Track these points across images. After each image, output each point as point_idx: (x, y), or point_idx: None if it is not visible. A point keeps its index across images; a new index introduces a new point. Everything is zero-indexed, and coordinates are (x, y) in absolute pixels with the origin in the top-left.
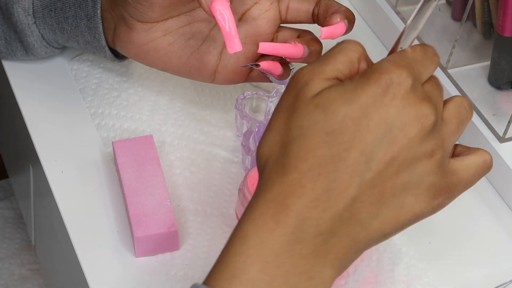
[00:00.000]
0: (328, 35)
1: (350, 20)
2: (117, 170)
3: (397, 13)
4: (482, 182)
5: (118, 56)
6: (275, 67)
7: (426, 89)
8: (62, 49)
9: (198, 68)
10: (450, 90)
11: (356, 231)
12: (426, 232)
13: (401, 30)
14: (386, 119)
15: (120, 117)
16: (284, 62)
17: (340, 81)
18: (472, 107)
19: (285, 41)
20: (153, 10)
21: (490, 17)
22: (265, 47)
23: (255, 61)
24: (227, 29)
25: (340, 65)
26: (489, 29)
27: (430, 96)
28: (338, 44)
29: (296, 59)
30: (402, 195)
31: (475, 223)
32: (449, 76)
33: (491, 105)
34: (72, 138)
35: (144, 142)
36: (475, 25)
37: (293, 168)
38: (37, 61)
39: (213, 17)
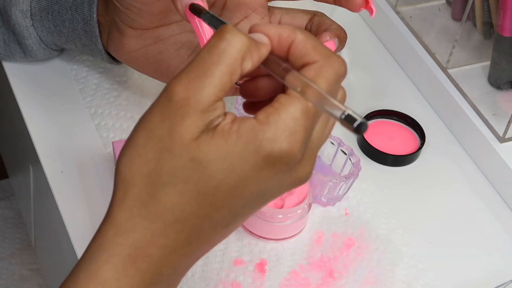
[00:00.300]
0: None
1: (341, 39)
2: None
3: (397, 13)
4: (482, 182)
5: (115, 59)
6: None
7: (313, 139)
8: (61, 51)
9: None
10: (450, 90)
11: (201, 253)
12: (426, 232)
13: (401, 30)
14: (263, 190)
15: (120, 117)
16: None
17: (220, 101)
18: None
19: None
20: (142, 17)
21: (490, 17)
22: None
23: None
24: (203, 36)
25: (220, 82)
26: (489, 29)
27: (314, 148)
28: (214, 42)
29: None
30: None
31: (475, 223)
32: (449, 76)
33: (491, 105)
34: (72, 138)
35: None
36: (475, 25)
37: (158, 217)
38: (36, 61)
39: (188, 21)
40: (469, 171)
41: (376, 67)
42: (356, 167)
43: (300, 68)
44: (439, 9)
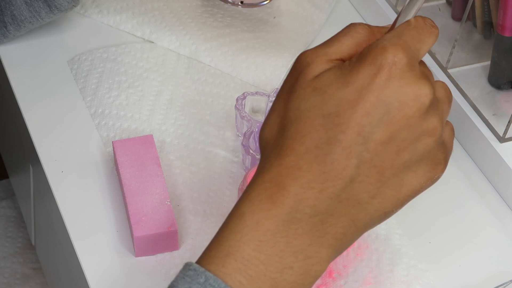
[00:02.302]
0: None
1: None
2: (117, 170)
3: (397, 13)
4: (482, 182)
5: None
6: None
7: (422, 68)
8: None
9: None
10: (450, 90)
11: (355, 211)
12: (426, 232)
13: None
14: (383, 100)
15: (120, 117)
16: None
17: (343, 62)
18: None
19: None
20: None
21: (490, 17)
22: None
23: None
24: None
25: (345, 47)
26: (489, 29)
27: (426, 74)
28: (344, 28)
29: None
30: (402, 174)
31: (475, 223)
32: (449, 76)
33: (491, 105)
34: (72, 138)
35: (144, 142)
36: (475, 25)
37: (290, 150)
38: (36, 61)
39: None
40: (469, 171)
41: None
42: None
43: None
44: (439, 9)
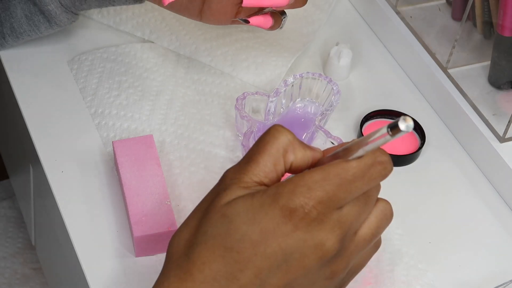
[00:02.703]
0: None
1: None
2: (117, 170)
3: (397, 13)
4: (482, 182)
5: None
6: (265, 21)
7: (344, 212)
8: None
9: (186, 6)
10: (450, 90)
11: None
12: (426, 232)
13: (401, 30)
14: (284, 249)
15: (120, 116)
16: (274, 12)
17: (263, 185)
18: (393, 214)
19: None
20: None
21: (490, 17)
22: (249, 1)
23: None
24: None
25: (263, 168)
26: (489, 29)
27: (343, 221)
28: (263, 136)
29: (283, 7)
30: None
31: (475, 223)
32: (449, 76)
33: (491, 105)
34: (72, 138)
35: (144, 142)
36: (475, 25)
37: (189, 275)
38: (37, 61)
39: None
40: (469, 171)
41: (376, 67)
42: None
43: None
44: (439, 9)
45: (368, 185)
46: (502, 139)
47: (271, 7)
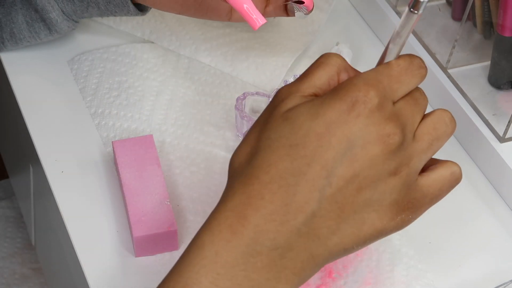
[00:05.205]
0: None
1: None
2: (117, 170)
3: (397, 13)
4: (482, 182)
5: (140, 9)
6: (311, 1)
7: (398, 107)
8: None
9: (215, 8)
10: (450, 90)
11: (314, 246)
12: (426, 232)
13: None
14: (348, 137)
15: (120, 117)
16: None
17: (316, 96)
18: (455, 121)
19: None
20: None
21: (490, 17)
22: None
23: None
24: (245, 9)
25: (317, 81)
26: (489, 29)
27: (400, 114)
28: (318, 59)
29: None
30: (363, 211)
31: (475, 223)
32: (449, 76)
33: (491, 105)
34: (72, 138)
35: (144, 142)
36: (475, 25)
37: (255, 179)
38: (36, 61)
39: (227, 2)
40: (469, 171)
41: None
42: None
43: None
44: (439, 9)
45: (412, 80)
46: (502, 139)
47: None
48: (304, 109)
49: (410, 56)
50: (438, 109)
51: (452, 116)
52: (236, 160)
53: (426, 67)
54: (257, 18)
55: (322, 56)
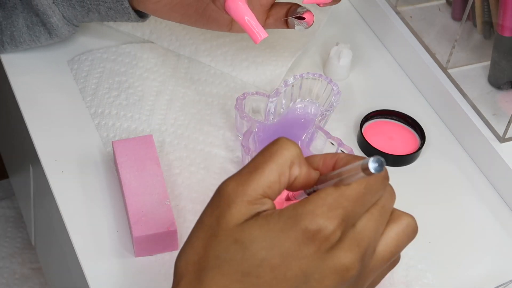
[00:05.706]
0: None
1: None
2: (117, 170)
3: (397, 13)
4: (482, 182)
5: (140, 16)
6: (312, 17)
7: (361, 227)
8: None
9: (216, 18)
10: (450, 90)
11: None
12: (426, 232)
13: (401, 30)
14: (305, 271)
15: (120, 117)
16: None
17: (267, 197)
18: (417, 229)
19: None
20: None
21: (490, 17)
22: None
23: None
24: (246, 23)
25: (267, 179)
26: (489, 29)
27: (361, 238)
28: (271, 144)
29: (327, 3)
30: None
31: (475, 223)
32: (449, 76)
33: (491, 105)
34: (72, 138)
35: (144, 142)
36: (475, 25)
37: None
38: (36, 61)
39: (229, 15)
40: (469, 171)
41: (376, 67)
42: None
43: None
44: (439, 9)
45: (377, 196)
46: (502, 139)
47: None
48: (259, 234)
49: (371, 178)
50: (403, 218)
51: (416, 225)
52: (183, 264)
53: (388, 177)
54: (259, 32)
55: (276, 143)
